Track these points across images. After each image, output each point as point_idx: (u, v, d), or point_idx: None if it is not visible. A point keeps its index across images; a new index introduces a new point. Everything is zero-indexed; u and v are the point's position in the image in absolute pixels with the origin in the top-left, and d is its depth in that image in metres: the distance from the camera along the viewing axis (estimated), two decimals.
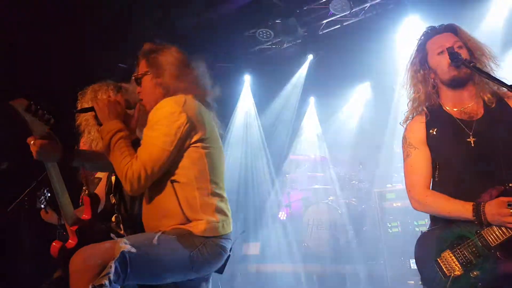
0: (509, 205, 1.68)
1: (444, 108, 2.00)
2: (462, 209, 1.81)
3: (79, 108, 2.41)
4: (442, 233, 1.95)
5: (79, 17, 4.86)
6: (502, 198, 1.70)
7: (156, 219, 1.91)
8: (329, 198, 6.33)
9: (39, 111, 1.78)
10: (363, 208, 5.95)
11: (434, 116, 2.01)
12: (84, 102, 2.66)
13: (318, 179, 6.94)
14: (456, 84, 1.95)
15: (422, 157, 2.02)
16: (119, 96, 2.05)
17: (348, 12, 5.94)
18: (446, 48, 1.87)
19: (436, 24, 2.08)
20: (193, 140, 1.90)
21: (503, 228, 1.69)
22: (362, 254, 5.30)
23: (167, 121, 1.84)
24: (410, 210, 4.25)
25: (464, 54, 1.90)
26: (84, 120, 2.65)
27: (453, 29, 2.00)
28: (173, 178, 1.88)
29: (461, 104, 1.96)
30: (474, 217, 1.77)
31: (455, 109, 1.97)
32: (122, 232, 2.15)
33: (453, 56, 1.83)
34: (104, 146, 1.90)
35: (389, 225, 4.45)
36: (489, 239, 1.73)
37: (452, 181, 1.93)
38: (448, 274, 1.83)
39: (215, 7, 5.39)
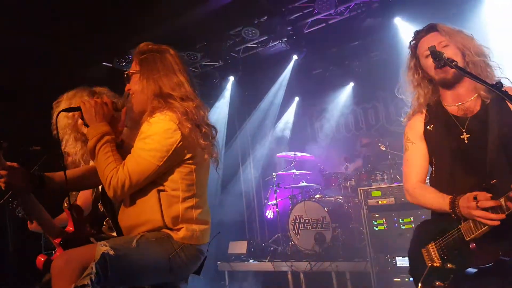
0: (474, 198, 1.70)
1: (443, 104, 2.03)
2: (442, 202, 1.84)
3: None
4: (431, 225, 2.01)
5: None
6: (474, 192, 1.71)
7: (135, 223, 1.92)
8: (315, 196, 6.38)
9: None
10: (349, 206, 6.01)
11: (433, 113, 2.04)
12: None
13: (304, 177, 6.98)
14: (447, 84, 1.97)
15: (418, 152, 2.07)
16: (106, 98, 2.03)
17: (333, 10, 5.97)
18: (428, 48, 1.88)
19: (421, 24, 2.10)
20: (186, 157, 1.92)
21: (477, 223, 1.70)
22: (348, 252, 5.35)
23: (160, 137, 1.84)
24: (395, 207, 4.37)
25: (450, 52, 1.90)
26: (61, 129, 2.59)
27: (435, 29, 2.01)
28: (160, 188, 1.89)
29: (459, 99, 1.97)
30: (451, 211, 1.80)
31: (453, 106, 1.99)
32: (115, 234, 2.14)
33: (435, 55, 1.84)
34: (89, 149, 1.89)
35: (375, 223, 4.49)
36: (465, 233, 1.76)
37: (445, 176, 1.96)
38: (427, 265, 1.88)
39: (199, 5, 5.35)
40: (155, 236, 1.84)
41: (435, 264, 1.85)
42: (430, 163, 2.07)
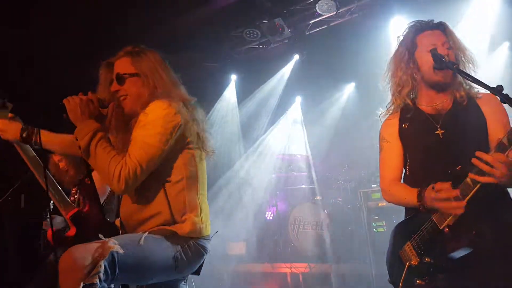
0: (433, 187, 1.70)
1: (417, 105, 2.04)
2: (411, 196, 1.84)
3: None
4: (404, 226, 1.99)
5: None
6: (436, 184, 1.70)
7: (141, 218, 1.91)
8: (315, 198, 6.37)
9: None
10: (348, 208, 6.00)
11: (407, 112, 2.05)
12: None
13: (304, 178, 6.97)
14: (438, 88, 1.98)
15: (393, 151, 2.08)
16: (91, 94, 1.95)
17: (335, 12, 5.98)
18: (430, 50, 1.88)
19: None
20: (186, 141, 1.93)
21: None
22: (348, 254, 5.34)
23: (162, 121, 1.83)
24: (395, 210, 4.35)
25: (451, 55, 1.91)
26: None
27: (443, 28, 2.00)
28: (164, 178, 1.89)
29: (433, 101, 1.99)
30: (419, 203, 1.79)
31: (428, 106, 2.00)
32: None
33: (436, 58, 1.84)
34: (83, 148, 1.82)
35: (374, 225, 4.49)
36: (438, 222, 1.74)
37: (420, 173, 1.97)
38: (405, 265, 1.85)
39: (201, 6, 5.37)
40: (161, 233, 1.84)
41: (413, 262, 1.82)
42: (404, 162, 2.06)
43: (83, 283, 1.53)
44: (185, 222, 1.88)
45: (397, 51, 2.10)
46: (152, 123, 1.83)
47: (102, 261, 1.59)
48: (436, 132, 1.92)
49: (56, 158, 3.36)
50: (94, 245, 1.66)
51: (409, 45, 2.03)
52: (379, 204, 4.53)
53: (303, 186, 6.70)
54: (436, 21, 2.03)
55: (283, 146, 8.10)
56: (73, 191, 3.36)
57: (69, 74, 5.10)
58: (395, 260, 1.94)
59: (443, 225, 1.71)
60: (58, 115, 1.91)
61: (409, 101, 2.04)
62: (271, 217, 7.68)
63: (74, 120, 1.87)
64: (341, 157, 6.97)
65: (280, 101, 8.06)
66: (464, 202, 1.61)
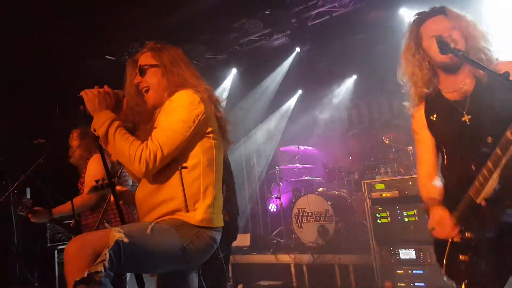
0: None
1: (442, 92, 2.01)
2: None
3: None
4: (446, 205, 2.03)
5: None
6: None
7: (155, 202, 1.92)
8: (319, 190, 6.38)
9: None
10: (352, 199, 6.01)
11: (432, 102, 2.03)
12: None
13: (308, 170, 6.98)
14: (448, 69, 1.95)
15: (423, 144, 2.08)
16: (107, 88, 2.00)
17: (337, 2, 5.93)
18: (436, 36, 1.84)
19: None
20: (207, 130, 1.95)
21: (481, 181, 1.73)
22: (351, 245, 5.36)
23: (186, 109, 1.88)
24: (399, 200, 4.36)
25: (456, 36, 1.88)
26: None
27: (444, 11, 1.98)
28: (182, 164, 1.91)
29: (456, 85, 1.95)
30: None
31: (452, 92, 1.97)
32: None
33: (442, 45, 1.81)
34: (101, 135, 1.87)
35: (378, 216, 4.49)
36: (474, 196, 1.75)
37: (458, 163, 1.95)
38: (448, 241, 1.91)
39: None
40: (170, 223, 1.84)
41: (455, 239, 1.84)
42: (441, 152, 2.05)
43: (88, 271, 1.55)
44: (197, 210, 1.88)
45: (405, 46, 2.10)
46: (177, 110, 1.88)
47: (107, 249, 1.60)
48: (462, 119, 1.89)
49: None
50: (99, 234, 1.68)
51: (414, 38, 2.03)
52: (383, 195, 4.52)
53: (307, 178, 6.71)
54: (438, 6, 2.01)
55: (287, 139, 8.10)
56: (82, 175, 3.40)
57: (70, 68, 5.11)
58: (440, 240, 1.96)
59: (479, 199, 1.72)
60: (75, 106, 1.96)
61: (430, 91, 2.03)
62: (274, 209, 7.72)
63: (92, 110, 1.92)
64: (345, 149, 6.97)
65: (281, 93, 8.04)
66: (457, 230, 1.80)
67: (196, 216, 1.87)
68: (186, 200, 1.87)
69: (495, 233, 1.72)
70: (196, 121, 1.88)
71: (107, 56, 6.25)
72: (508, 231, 1.70)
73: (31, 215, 3.04)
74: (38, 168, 3.11)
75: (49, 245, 4.72)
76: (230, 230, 3.21)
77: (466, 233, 1.79)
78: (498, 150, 1.63)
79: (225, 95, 7.83)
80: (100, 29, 5.22)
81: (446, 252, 1.91)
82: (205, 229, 1.90)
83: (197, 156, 1.93)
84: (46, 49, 5.03)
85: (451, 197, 1.91)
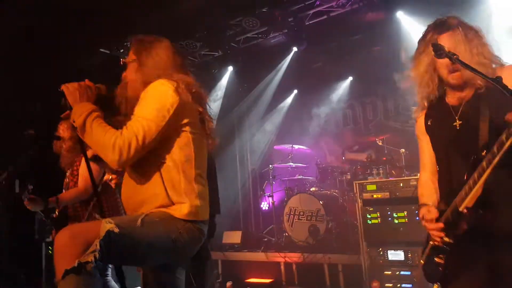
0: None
1: (445, 98, 2.02)
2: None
3: None
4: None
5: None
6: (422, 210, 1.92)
7: (139, 199, 1.92)
8: (311, 189, 6.40)
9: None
10: (344, 199, 6.03)
11: (433, 108, 2.05)
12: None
13: (301, 170, 6.99)
14: (458, 89, 1.94)
15: (422, 147, 2.12)
16: (88, 81, 2.00)
17: (335, 2, 5.94)
18: (432, 44, 1.83)
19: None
20: (183, 122, 1.93)
21: (466, 190, 1.75)
22: (341, 244, 5.38)
23: (160, 98, 1.86)
24: (390, 202, 4.38)
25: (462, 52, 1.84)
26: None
27: (454, 27, 1.91)
28: (160, 160, 1.90)
29: (459, 93, 1.95)
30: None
31: (452, 98, 1.98)
32: None
33: (437, 48, 1.81)
34: (79, 126, 1.83)
35: (369, 216, 4.51)
36: (458, 204, 1.77)
37: (446, 169, 1.97)
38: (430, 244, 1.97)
39: None
40: (159, 216, 1.84)
41: (436, 242, 1.88)
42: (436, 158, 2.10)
43: (79, 260, 1.55)
44: (182, 204, 1.88)
45: (417, 53, 2.05)
46: (150, 99, 1.87)
47: (98, 240, 1.59)
48: (453, 124, 1.91)
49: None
50: (90, 224, 1.71)
51: (427, 48, 1.97)
52: (374, 196, 4.54)
53: (300, 177, 6.72)
54: (451, 17, 1.95)
55: (281, 138, 8.11)
56: (68, 174, 3.39)
57: (61, 64, 5.07)
58: (426, 241, 2.02)
59: (462, 207, 1.74)
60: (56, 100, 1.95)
61: (434, 98, 2.03)
62: (266, 208, 7.73)
63: (73, 103, 1.90)
64: (338, 149, 6.99)
65: (277, 92, 8.03)
66: (440, 225, 1.80)
67: (182, 210, 1.87)
68: (169, 196, 1.87)
69: (471, 240, 1.75)
70: (171, 111, 1.85)
71: (101, 50, 6.21)
72: (484, 240, 1.74)
73: (27, 202, 3.06)
74: (28, 159, 3.09)
75: (36, 237, 4.70)
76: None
77: (446, 238, 1.83)
78: (483, 163, 1.63)
79: (220, 93, 7.82)
80: (96, 22, 5.18)
81: (425, 253, 1.97)
82: (192, 222, 1.90)
83: (174, 152, 1.91)
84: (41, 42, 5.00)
85: (443, 203, 1.94)
